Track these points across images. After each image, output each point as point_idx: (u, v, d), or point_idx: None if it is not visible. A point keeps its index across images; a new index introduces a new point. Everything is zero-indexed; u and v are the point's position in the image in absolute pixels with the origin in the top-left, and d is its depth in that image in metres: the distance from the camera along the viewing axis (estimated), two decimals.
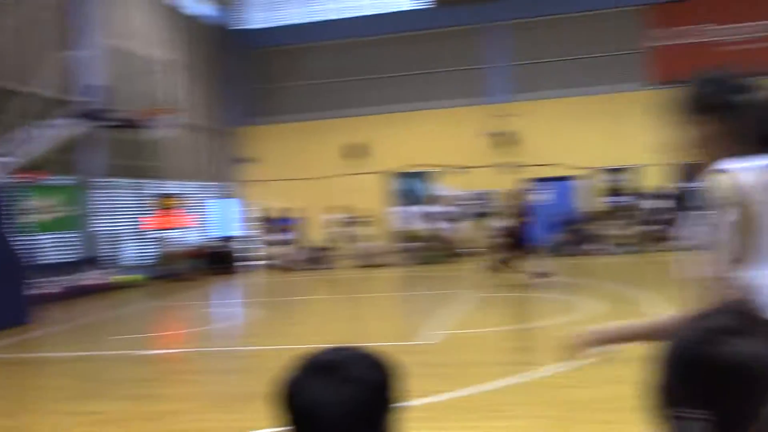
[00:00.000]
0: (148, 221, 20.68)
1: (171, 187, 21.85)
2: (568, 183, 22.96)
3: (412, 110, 24.40)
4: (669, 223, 20.76)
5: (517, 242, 14.96)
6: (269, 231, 23.98)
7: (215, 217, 24.66)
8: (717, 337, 1.21)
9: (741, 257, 2.13)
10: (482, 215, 22.89)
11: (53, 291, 15.99)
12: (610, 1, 23.00)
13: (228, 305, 16.90)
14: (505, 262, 15.11)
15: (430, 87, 24.55)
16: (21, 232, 13.72)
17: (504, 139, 23.06)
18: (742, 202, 2.14)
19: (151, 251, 21.02)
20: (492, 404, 6.31)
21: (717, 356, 1.19)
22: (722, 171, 2.21)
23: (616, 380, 6.12)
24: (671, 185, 22.14)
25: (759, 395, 1.18)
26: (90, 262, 18.32)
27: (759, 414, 1.19)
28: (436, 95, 24.35)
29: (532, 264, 14.72)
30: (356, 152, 24.51)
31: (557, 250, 20.91)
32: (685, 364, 1.22)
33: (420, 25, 24.54)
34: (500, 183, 23.16)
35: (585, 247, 20.78)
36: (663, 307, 9.46)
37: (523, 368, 7.27)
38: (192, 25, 23.98)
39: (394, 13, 24.93)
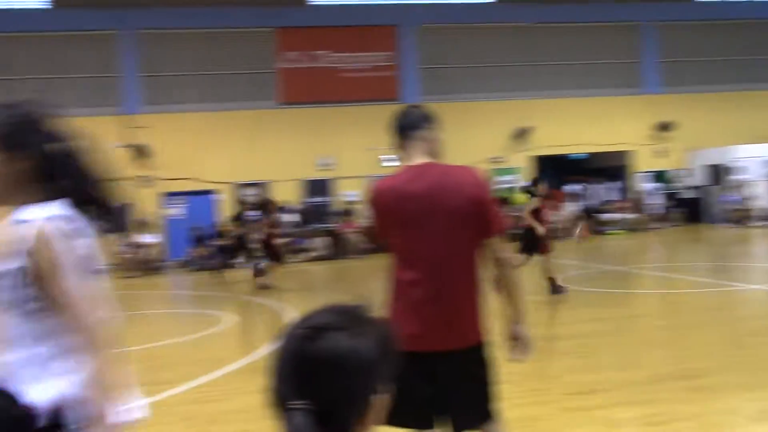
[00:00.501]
0: None
1: None
2: (205, 197, 23.05)
3: None
4: (298, 236, 21.95)
5: (273, 252, 15.59)
6: None
7: None
8: (317, 332, 1.33)
9: (39, 307, 2.15)
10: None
11: None
12: (247, 20, 23.65)
13: None
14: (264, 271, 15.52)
15: (58, 93, 22.87)
16: None
17: (137, 152, 22.37)
18: (36, 251, 2.12)
19: None
20: (128, 428, 6.09)
21: (316, 350, 1.31)
22: (24, 222, 2.16)
23: (252, 390, 6.33)
24: (300, 200, 23.46)
25: (359, 386, 1.33)
26: None
27: (362, 403, 1.34)
28: (64, 102, 22.73)
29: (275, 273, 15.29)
30: None
31: (194, 265, 20.85)
32: (289, 358, 1.33)
33: (39, 26, 22.67)
34: (134, 197, 22.43)
35: (221, 260, 20.98)
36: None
37: (159, 387, 7.13)
38: None
39: (4, 10, 22.61)
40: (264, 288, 14.77)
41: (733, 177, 24.23)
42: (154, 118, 22.51)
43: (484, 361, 3.29)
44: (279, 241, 16.29)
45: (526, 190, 12.05)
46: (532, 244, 11.59)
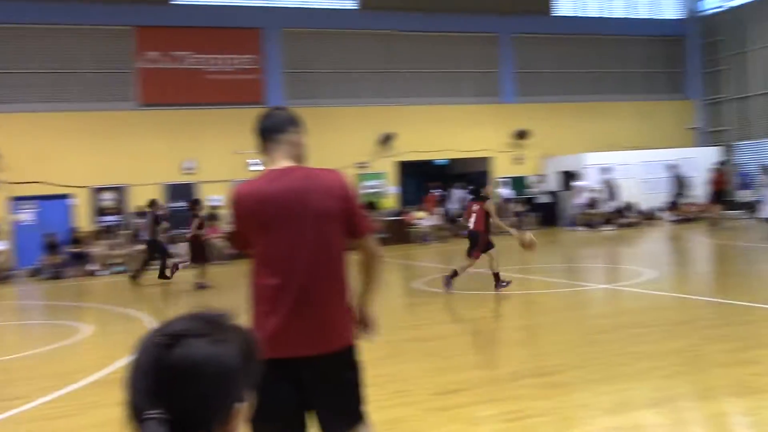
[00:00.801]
0: None
1: None
2: (59, 202, 21.90)
3: None
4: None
5: (200, 252, 15.27)
6: None
7: None
8: (175, 339, 1.30)
9: None
10: None
11: None
12: (103, 16, 22.67)
13: None
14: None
15: None
16: None
17: None
18: None
19: None
20: None
21: (173, 357, 1.28)
22: None
23: (109, 403, 6.07)
24: (160, 205, 22.72)
25: (219, 394, 1.30)
26: None
27: (223, 411, 1.32)
28: None
29: (199, 273, 14.96)
30: None
31: (46, 273, 19.76)
32: (146, 367, 1.30)
33: None
34: None
35: (76, 268, 20.03)
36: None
37: (10, 403, 6.71)
38: None
39: None
40: (202, 288, 14.56)
41: (582, 183, 25.60)
42: (1, 118, 21.18)
43: (352, 364, 3.29)
44: (206, 239, 16.34)
45: (474, 194, 12.32)
46: (474, 243, 11.90)
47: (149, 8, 23.20)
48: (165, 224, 17.63)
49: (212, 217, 22.21)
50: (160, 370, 1.28)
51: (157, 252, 16.72)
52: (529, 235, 12.59)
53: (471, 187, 12.00)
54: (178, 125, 23.13)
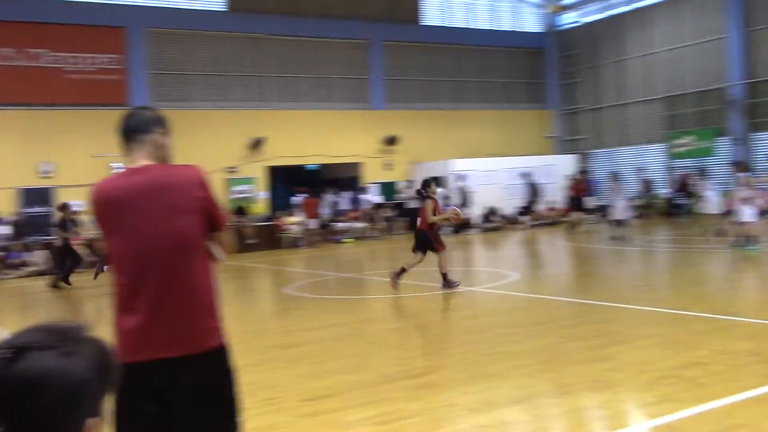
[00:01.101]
0: None
1: None
2: None
3: None
4: (13, 249, 20.09)
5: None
6: None
7: None
8: (19, 352, 1.24)
9: None
10: None
11: None
12: None
13: None
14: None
15: None
16: None
17: None
18: None
19: None
20: None
21: (16, 371, 1.22)
22: None
23: None
24: (15, 210, 21.48)
25: (67, 408, 1.24)
26: None
27: (73, 427, 1.26)
28: None
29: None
30: None
31: None
32: None
33: None
34: None
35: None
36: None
37: None
38: None
39: None
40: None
41: (448, 188, 26.25)
42: None
43: (221, 367, 3.13)
44: None
45: (418, 192, 12.54)
46: (427, 242, 12.04)
47: (2, 2, 21.88)
48: (75, 229, 16.75)
49: (73, 222, 21.20)
50: (1, 385, 1.21)
51: (68, 258, 15.90)
52: (452, 209, 13.23)
53: (419, 188, 12.48)
54: (34, 126, 21.93)
